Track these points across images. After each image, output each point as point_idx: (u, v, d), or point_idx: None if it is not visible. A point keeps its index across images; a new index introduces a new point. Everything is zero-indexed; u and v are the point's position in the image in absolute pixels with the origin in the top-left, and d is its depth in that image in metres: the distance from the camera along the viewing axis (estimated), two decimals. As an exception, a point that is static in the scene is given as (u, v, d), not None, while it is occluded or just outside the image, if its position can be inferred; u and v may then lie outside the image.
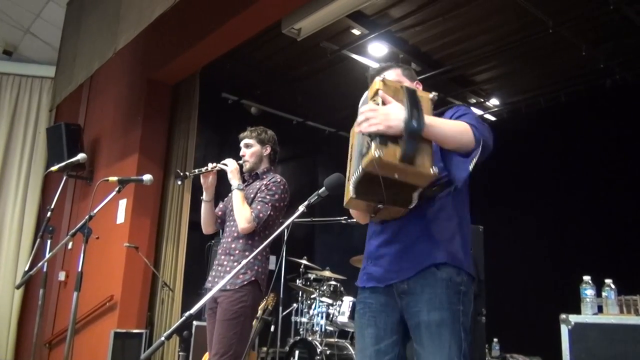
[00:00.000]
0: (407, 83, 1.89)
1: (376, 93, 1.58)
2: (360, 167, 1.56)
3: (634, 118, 5.56)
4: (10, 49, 6.88)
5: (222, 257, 2.88)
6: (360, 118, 1.56)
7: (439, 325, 1.68)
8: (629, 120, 5.63)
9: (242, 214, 2.77)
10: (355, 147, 1.72)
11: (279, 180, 2.90)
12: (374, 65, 5.69)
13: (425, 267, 1.72)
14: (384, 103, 1.56)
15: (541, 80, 6.34)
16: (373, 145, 1.49)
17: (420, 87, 1.95)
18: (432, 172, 1.52)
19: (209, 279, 2.91)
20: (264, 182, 2.89)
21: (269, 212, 2.79)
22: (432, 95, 1.61)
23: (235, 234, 2.85)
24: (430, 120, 1.54)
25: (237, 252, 2.82)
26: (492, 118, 7.22)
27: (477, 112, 7.11)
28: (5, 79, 7.03)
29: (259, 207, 2.80)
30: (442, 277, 1.71)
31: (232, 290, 2.70)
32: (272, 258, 5.55)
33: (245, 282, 2.73)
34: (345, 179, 1.81)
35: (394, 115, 1.51)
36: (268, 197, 2.83)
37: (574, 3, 4.78)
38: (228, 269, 2.80)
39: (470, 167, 1.62)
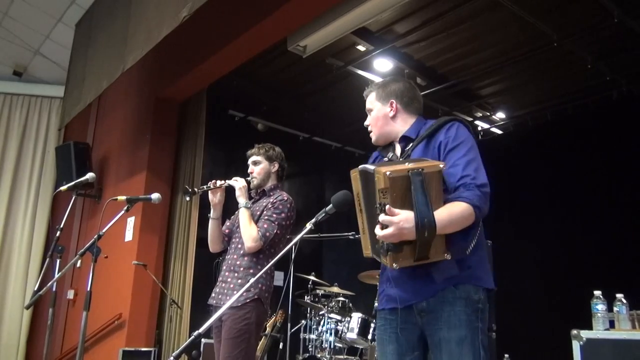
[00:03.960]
0: (378, 107, 2.02)
1: (385, 191, 1.59)
2: (382, 260, 1.74)
3: (641, 130, 5.55)
4: (20, 70, 6.97)
5: (227, 273, 2.88)
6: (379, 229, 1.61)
7: (459, 343, 1.69)
8: (636, 132, 5.61)
9: (249, 233, 2.78)
10: (366, 211, 1.79)
11: (285, 198, 2.91)
12: (380, 80, 5.75)
13: (444, 287, 1.74)
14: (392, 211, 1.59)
15: (547, 93, 6.34)
16: (389, 258, 1.64)
17: (394, 104, 2.00)
18: (445, 257, 1.67)
19: (213, 295, 2.90)
20: (271, 200, 2.90)
21: (275, 231, 2.80)
22: (442, 166, 1.62)
23: (241, 251, 2.86)
24: (439, 223, 1.60)
25: (241, 269, 2.82)
26: (499, 131, 7.22)
27: (484, 125, 7.12)
28: (15, 99, 7.12)
29: (265, 225, 2.81)
30: (460, 295, 1.73)
31: (236, 308, 2.69)
32: (280, 274, 5.54)
33: (248, 300, 2.72)
34: (351, 197, 1.87)
35: (408, 229, 1.58)
36: (275, 215, 2.84)
37: (578, 16, 4.80)
38: (232, 285, 2.80)
39: (469, 248, 1.73)
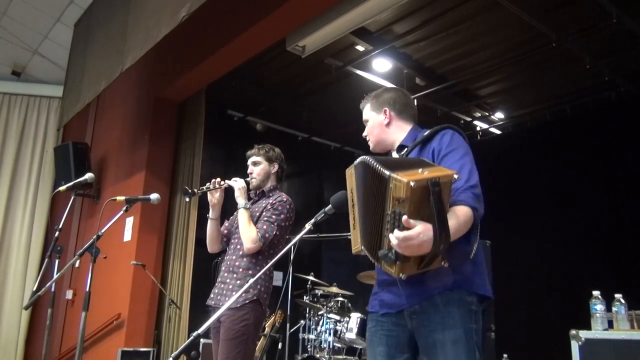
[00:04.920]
0: (373, 117, 2.07)
1: (403, 200, 1.53)
2: (381, 265, 1.67)
3: (640, 130, 5.55)
4: (19, 70, 6.97)
5: (225, 274, 2.87)
6: (394, 240, 1.54)
7: (455, 343, 1.69)
8: (635, 132, 5.62)
9: (248, 234, 2.78)
10: (362, 207, 1.75)
11: (284, 199, 2.91)
12: (379, 80, 5.77)
13: (437, 292, 1.74)
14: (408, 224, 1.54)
15: (546, 93, 6.34)
16: (396, 267, 1.59)
17: (387, 111, 2.04)
18: (443, 265, 1.62)
19: (212, 296, 2.90)
20: (270, 201, 2.90)
21: (274, 232, 2.80)
22: (456, 176, 1.58)
23: (240, 252, 2.85)
24: (451, 232, 1.57)
25: (240, 270, 2.82)
26: (498, 132, 7.22)
27: (482, 125, 7.12)
28: (14, 99, 7.12)
29: (264, 227, 2.80)
30: (453, 297, 1.74)
31: (234, 309, 2.69)
32: (279, 275, 5.54)
33: (247, 301, 2.72)
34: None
35: (426, 245, 1.53)
36: (274, 216, 2.83)
37: (577, 17, 4.80)
38: (231, 286, 2.80)
39: (473, 252, 1.76)
